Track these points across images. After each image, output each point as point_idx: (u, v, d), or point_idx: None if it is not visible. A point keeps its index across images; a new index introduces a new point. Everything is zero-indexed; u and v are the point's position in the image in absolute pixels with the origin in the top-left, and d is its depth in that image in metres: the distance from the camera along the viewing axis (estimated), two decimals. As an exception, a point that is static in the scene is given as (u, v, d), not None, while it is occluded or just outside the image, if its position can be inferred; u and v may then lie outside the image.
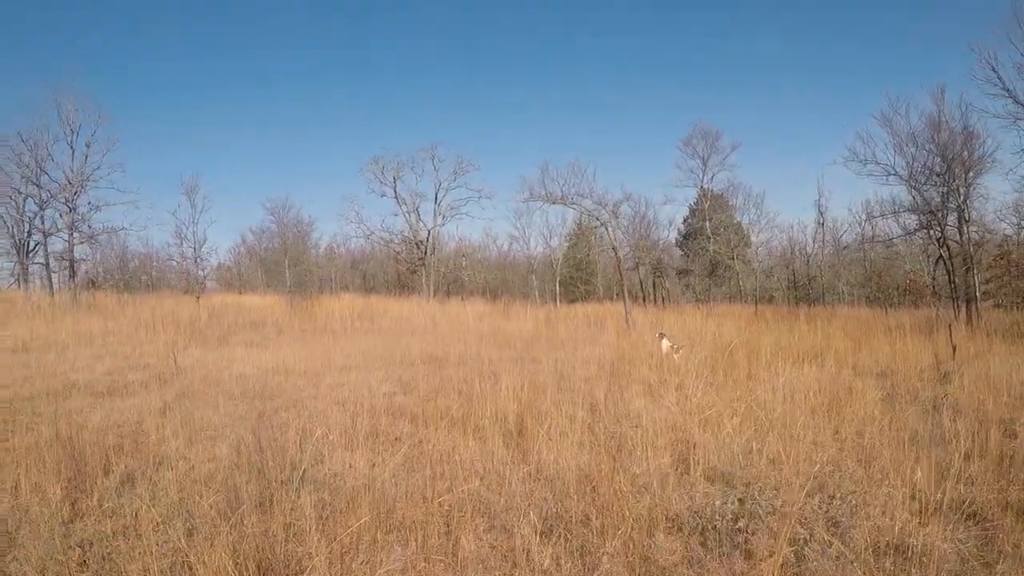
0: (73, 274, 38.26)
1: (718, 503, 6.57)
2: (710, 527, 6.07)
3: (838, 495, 6.80)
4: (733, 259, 47.75)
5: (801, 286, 48.41)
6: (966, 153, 27.31)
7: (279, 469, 7.39)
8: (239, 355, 18.86)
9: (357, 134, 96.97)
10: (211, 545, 5.31)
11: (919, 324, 21.74)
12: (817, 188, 63.38)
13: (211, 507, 6.25)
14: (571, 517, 6.19)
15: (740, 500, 6.70)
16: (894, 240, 36.10)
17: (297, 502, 6.54)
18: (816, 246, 48.86)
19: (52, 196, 36.73)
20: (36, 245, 38.51)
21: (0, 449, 8.73)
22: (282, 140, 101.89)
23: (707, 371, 12.39)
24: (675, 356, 15.60)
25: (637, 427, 9.14)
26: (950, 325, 17.53)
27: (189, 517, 6.32)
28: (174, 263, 47.50)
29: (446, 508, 6.31)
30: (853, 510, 6.36)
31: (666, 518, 6.19)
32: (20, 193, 37.05)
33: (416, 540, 5.68)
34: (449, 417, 9.73)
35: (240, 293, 51.50)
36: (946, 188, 27.47)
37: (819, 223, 47.76)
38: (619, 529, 5.74)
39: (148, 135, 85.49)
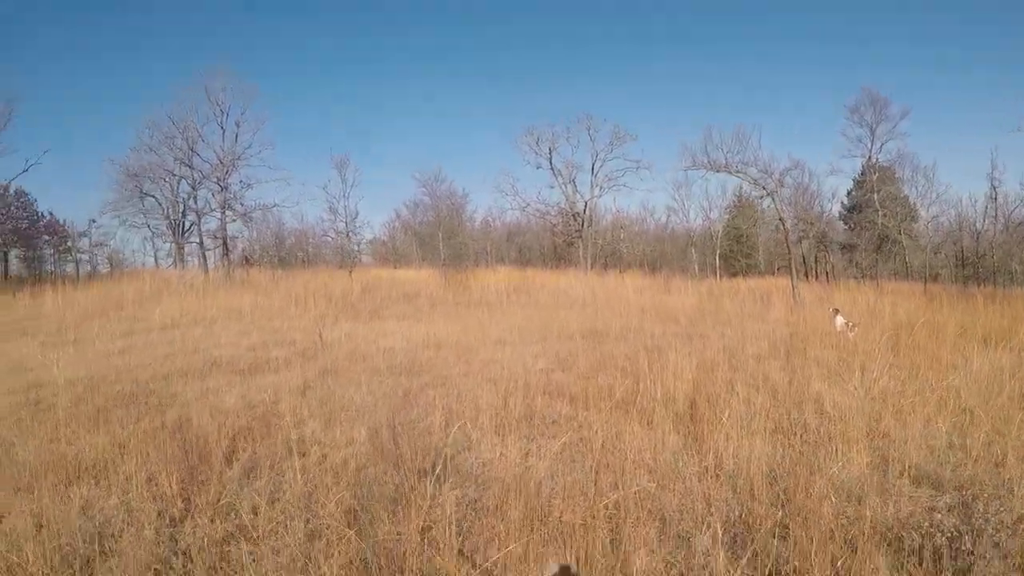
0: (227, 251, 39.13)
1: (938, 516, 5.63)
2: (928, 545, 5.18)
3: None
4: (900, 233, 45.64)
5: (970, 264, 46.05)
6: None
7: (421, 456, 6.83)
8: (390, 328, 18.71)
9: (510, 107, 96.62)
10: (331, 555, 4.85)
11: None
12: (990, 160, 59.48)
13: (338, 505, 5.76)
14: (760, 526, 5.41)
15: (960, 510, 5.83)
16: None
17: (438, 499, 5.94)
18: (987, 222, 46.26)
19: (204, 176, 37.91)
20: (191, 225, 39.89)
21: (122, 436, 8.27)
22: (432, 114, 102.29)
23: (888, 352, 11.44)
24: (850, 334, 14.67)
25: (821, 415, 8.38)
26: None
27: (313, 517, 5.79)
28: (329, 238, 48.36)
29: (611, 510, 5.64)
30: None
31: (874, 531, 5.31)
32: (174, 175, 38.50)
33: (574, 551, 4.94)
34: (612, 398, 9.02)
35: (395, 267, 51.76)
36: None
37: (991, 197, 45.14)
38: (824, 544, 4.91)
39: (299, 113, 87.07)
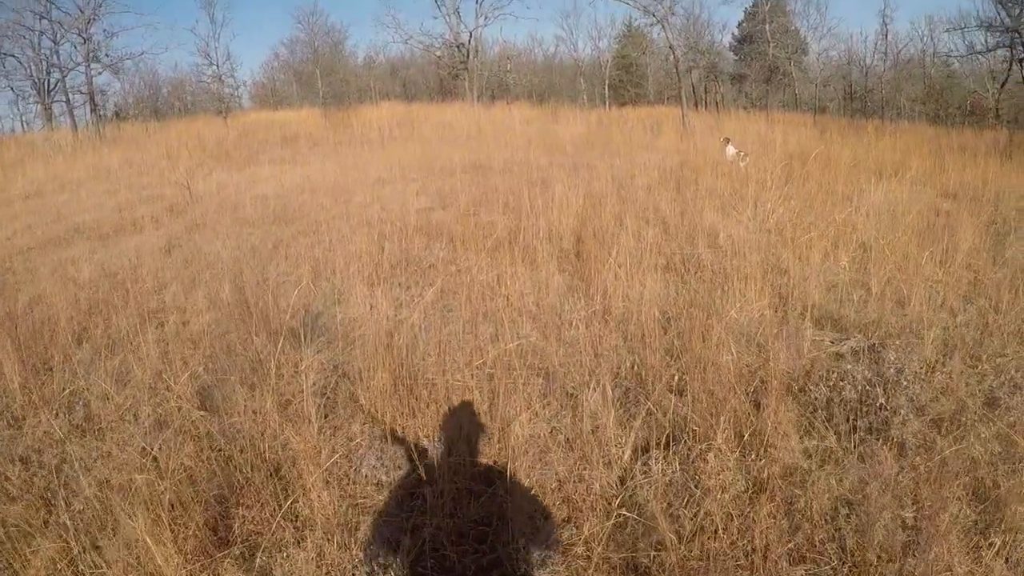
0: (95, 107, 36.56)
1: (847, 367, 5.05)
2: (837, 399, 4.68)
3: (985, 357, 5.34)
4: (791, 65, 45.52)
5: (858, 97, 46.45)
6: None
7: (289, 316, 6.07)
8: (265, 174, 17.70)
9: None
10: (179, 445, 4.17)
11: (989, 147, 19.90)
12: (882, -4, 59.15)
13: (191, 380, 5.03)
14: (654, 378, 4.82)
15: (867, 356, 5.33)
16: (974, 55, 33.83)
17: (300, 366, 5.21)
18: (877, 58, 46.43)
19: (65, 29, 34.91)
20: (57, 83, 37.05)
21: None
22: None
23: (782, 183, 10.97)
24: (741, 164, 14.24)
25: (715, 249, 7.84)
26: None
27: (163, 400, 4.98)
28: (205, 84, 45.97)
29: (489, 367, 4.98)
30: (1014, 385, 4.90)
31: (779, 383, 4.72)
32: (33, 31, 35.20)
33: (445, 420, 4.39)
34: (494, 236, 8.32)
35: (275, 110, 49.88)
36: None
37: (883, 34, 45.13)
38: (724, 400, 4.33)
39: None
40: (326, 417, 4.68)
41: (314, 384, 4.78)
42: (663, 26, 30.09)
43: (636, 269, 6.73)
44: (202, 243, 10.07)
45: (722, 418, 4.05)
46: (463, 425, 4.32)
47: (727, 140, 15.87)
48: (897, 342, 5.44)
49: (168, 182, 17.20)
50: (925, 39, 42.80)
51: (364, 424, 4.55)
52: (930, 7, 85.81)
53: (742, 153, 14.92)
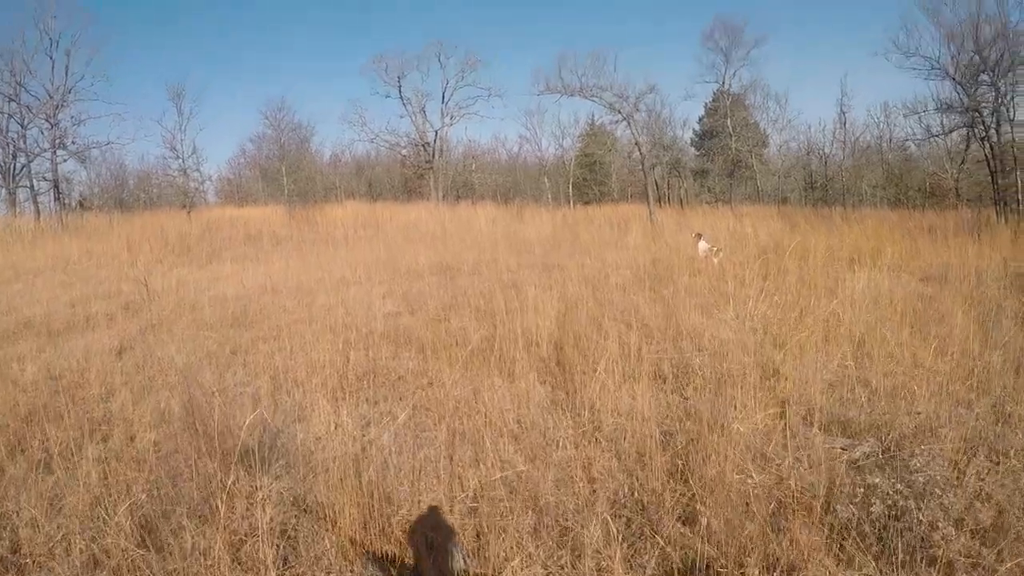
0: (59, 195, 35.96)
1: (873, 480, 4.56)
2: (866, 518, 4.18)
3: (1012, 452, 4.88)
4: (752, 158, 45.93)
5: (819, 186, 46.91)
6: (1004, 51, 25.25)
7: (246, 434, 5.51)
8: (227, 272, 17.16)
9: (358, 33, 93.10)
10: None
11: (957, 227, 19.85)
12: (840, 87, 60.22)
13: (131, 512, 4.44)
14: (658, 505, 4.31)
15: (887, 463, 4.86)
16: (932, 138, 34.10)
17: (256, 496, 4.65)
18: (835, 146, 46.99)
19: (33, 113, 34.59)
20: (22, 168, 36.62)
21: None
22: (280, 43, 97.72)
23: (757, 277, 10.63)
24: (715, 260, 14.03)
25: (702, 351, 7.43)
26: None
27: (100, 532, 4.34)
28: (171, 177, 45.61)
29: (471, 500, 4.49)
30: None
31: (799, 503, 4.23)
32: (1, 113, 34.98)
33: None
34: (468, 347, 7.70)
35: (240, 206, 49.48)
36: (992, 86, 25.58)
37: (841, 123, 45.71)
38: (741, 527, 3.85)
39: (134, 42, 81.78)
40: (285, 562, 4.11)
41: (271, 520, 4.25)
42: (628, 123, 30.25)
43: (623, 378, 6.28)
44: (156, 346, 9.43)
45: (749, 555, 3.54)
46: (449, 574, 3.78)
47: (699, 236, 15.60)
48: (916, 446, 5.01)
49: (126, 277, 16.60)
50: (882, 125, 43.46)
51: (330, 574, 3.99)
52: (886, 94, 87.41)
53: (715, 248, 14.65)
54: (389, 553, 4.07)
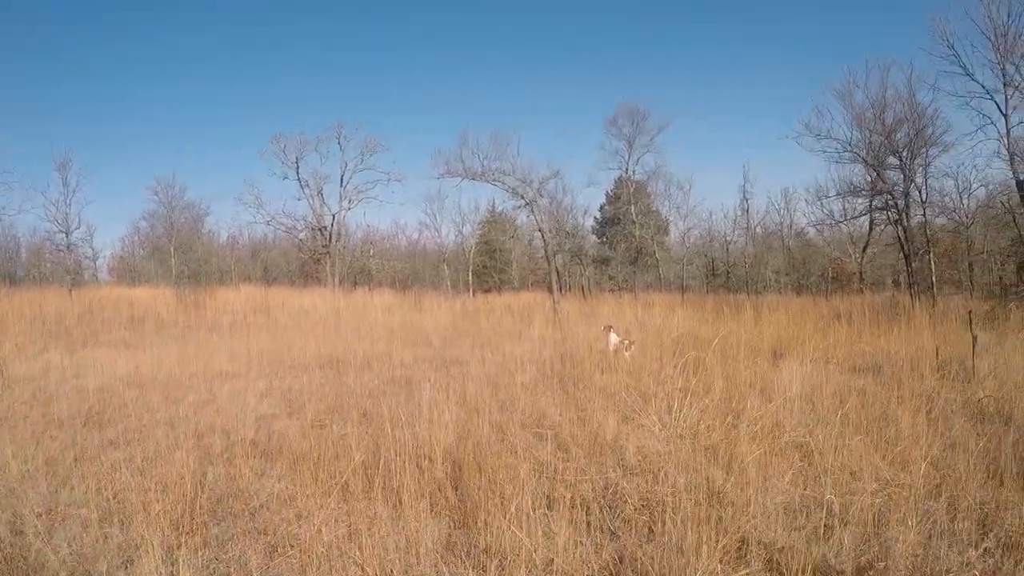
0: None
1: None
2: None
3: None
4: (655, 245, 45.84)
5: (720, 273, 47.06)
6: (914, 133, 25.60)
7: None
8: (100, 358, 15.45)
9: (257, 116, 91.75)
10: None
11: (871, 312, 19.37)
12: (743, 174, 60.72)
13: None
14: None
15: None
16: (838, 223, 34.50)
17: None
18: (737, 233, 47.66)
19: None
20: None
21: None
22: (174, 123, 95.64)
23: (677, 374, 9.62)
24: (626, 353, 13.02)
25: (625, 470, 6.28)
26: (970, 313, 14.99)
27: None
28: (59, 253, 43.48)
29: None
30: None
31: None
32: None
33: None
34: (349, 465, 6.37)
35: (132, 286, 47.46)
36: (900, 169, 25.92)
37: (743, 209, 46.27)
38: None
39: (19, 107, 79.20)
40: None
41: None
42: (532, 208, 29.63)
43: (536, 508, 5.01)
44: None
45: None
46: None
47: (609, 328, 14.61)
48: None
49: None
50: (782, 212, 44.14)
51: None
52: (785, 180, 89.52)
53: (627, 341, 13.70)
54: None
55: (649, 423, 7.57)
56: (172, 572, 4.59)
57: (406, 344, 17.21)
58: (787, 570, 4.32)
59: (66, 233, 39.28)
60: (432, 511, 5.58)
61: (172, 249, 42.80)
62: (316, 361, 14.55)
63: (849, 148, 27.11)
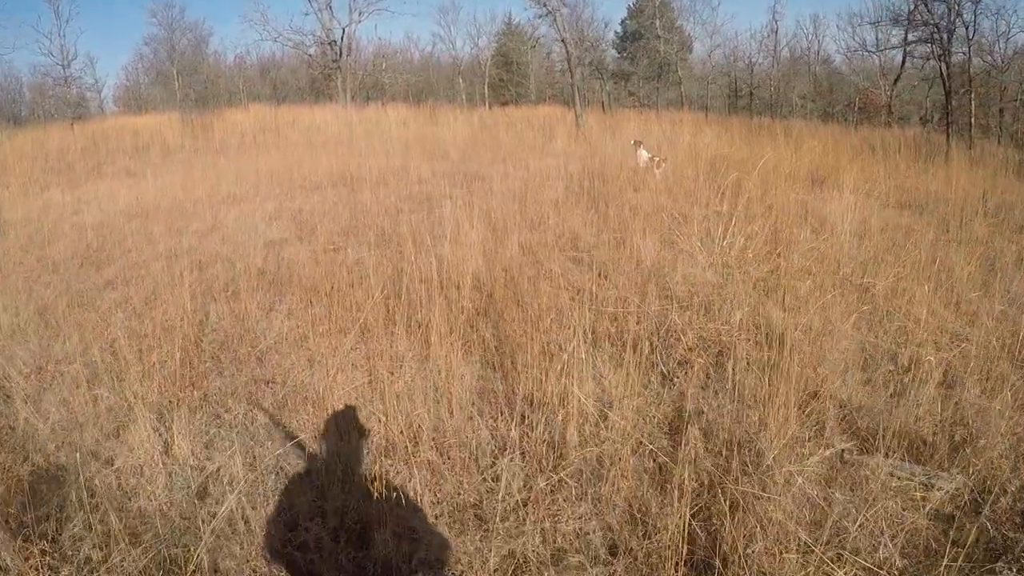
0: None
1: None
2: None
3: None
4: (678, 62, 44.50)
5: (743, 95, 45.78)
6: None
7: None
8: (103, 191, 14.86)
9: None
10: None
11: (904, 147, 18.42)
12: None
13: None
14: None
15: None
16: (879, 50, 33.35)
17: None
18: (763, 55, 46.09)
19: None
20: None
21: None
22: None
23: (716, 197, 8.96)
24: (656, 171, 12.28)
25: (674, 300, 5.66)
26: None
27: None
28: (58, 86, 42.35)
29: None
30: None
31: None
32: None
33: None
34: (365, 289, 5.83)
35: (138, 114, 46.44)
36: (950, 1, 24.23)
37: (772, 30, 44.35)
38: None
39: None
40: None
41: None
42: (554, 18, 28.49)
43: (583, 347, 4.32)
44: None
45: None
46: None
47: (638, 143, 13.83)
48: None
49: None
50: (810, 37, 42.85)
51: None
52: (816, 5, 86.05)
53: (657, 159, 12.88)
54: None
55: (691, 248, 6.94)
56: (166, 440, 4.07)
57: (423, 158, 16.52)
58: (871, 436, 3.74)
59: (63, 66, 38.18)
60: (464, 351, 4.98)
61: (175, 73, 41.48)
62: (328, 179, 13.91)
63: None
